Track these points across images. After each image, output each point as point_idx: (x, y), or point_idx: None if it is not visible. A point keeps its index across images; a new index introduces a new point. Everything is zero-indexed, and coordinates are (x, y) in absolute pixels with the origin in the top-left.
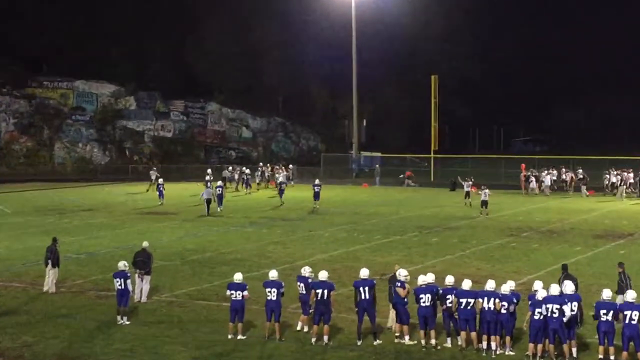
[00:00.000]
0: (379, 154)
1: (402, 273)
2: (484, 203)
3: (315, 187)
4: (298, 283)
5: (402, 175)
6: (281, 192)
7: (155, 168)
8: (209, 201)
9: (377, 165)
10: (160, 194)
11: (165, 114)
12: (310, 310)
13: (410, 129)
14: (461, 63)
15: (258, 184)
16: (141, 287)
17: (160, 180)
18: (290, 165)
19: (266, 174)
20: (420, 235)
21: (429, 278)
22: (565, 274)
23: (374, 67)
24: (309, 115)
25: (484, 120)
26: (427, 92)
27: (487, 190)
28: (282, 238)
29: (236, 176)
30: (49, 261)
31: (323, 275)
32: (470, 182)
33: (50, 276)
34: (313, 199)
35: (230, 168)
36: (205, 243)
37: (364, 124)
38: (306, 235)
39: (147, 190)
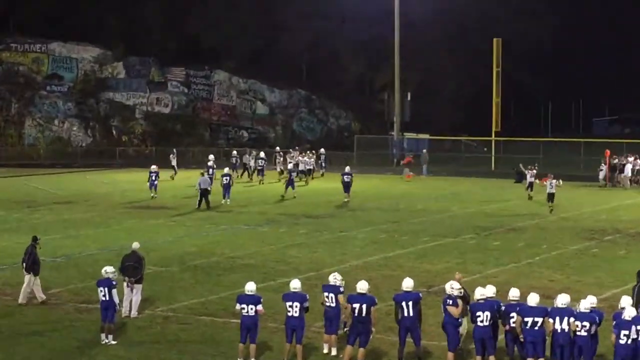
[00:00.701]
0: (426, 137)
1: (454, 286)
2: (550, 196)
3: (345, 177)
4: (325, 294)
5: (402, 163)
6: (290, 182)
7: (175, 151)
8: (205, 192)
9: (424, 151)
10: (152, 185)
11: (162, 84)
12: (345, 329)
13: (466, 106)
14: (531, 23)
15: (281, 172)
16: (130, 299)
17: (154, 168)
18: (322, 150)
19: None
20: (478, 237)
21: (489, 292)
22: None
23: (421, 28)
24: (339, 87)
25: (559, 95)
26: (487, 60)
27: (554, 181)
28: (306, 240)
29: (252, 162)
30: (23, 265)
31: (363, 286)
32: (534, 171)
33: (25, 283)
34: (343, 191)
35: (254, 153)
36: (210, 245)
37: (408, 98)
38: (336, 236)
39: (172, 178)
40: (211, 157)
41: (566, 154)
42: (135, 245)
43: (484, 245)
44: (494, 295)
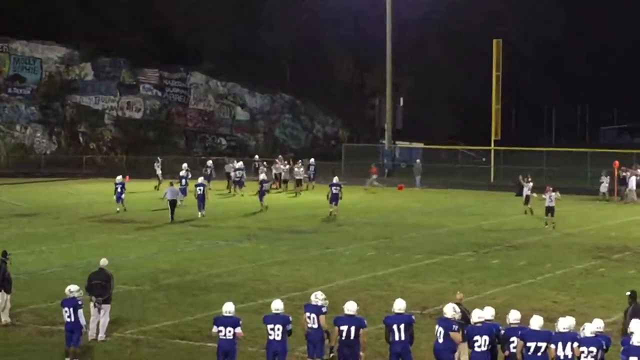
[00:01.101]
0: (420, 145)
1: (454, 310)
2: (550, 210)
3: (333, 188)
4: (306, 314)
5: (373, 176)
6: (261, 193)
7: (159, 159)
8: (173, 203)
9: (418, 161)
10: (119, 198)
11: (133, 87)
12: (332, 355)
13: (464, 112)
14: (535, 23)
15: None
16: (98, 320)
17: (119, 179)
18: (312, 160)
19: (278, 171)
20: (476, 255)
21: (487, 314)
22: (634, 305)
23: (415, 27)
24: (326, 91)
25: (564, 101)
26: (487, 63)
27: (553, 194)
28: (289, 257)
29: (231, 172)
30: None
31: (351, 307)
32: (531, 184)
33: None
34: (329, 202)
35: (240, 163)
36: (185, 262)
37: (401, 103)
38: (321, 253)
39: (156, 188)
40: (184, 166)
41: (571, 165)
42: (104, 261)
43: (483, 263)
44: (493, 318)
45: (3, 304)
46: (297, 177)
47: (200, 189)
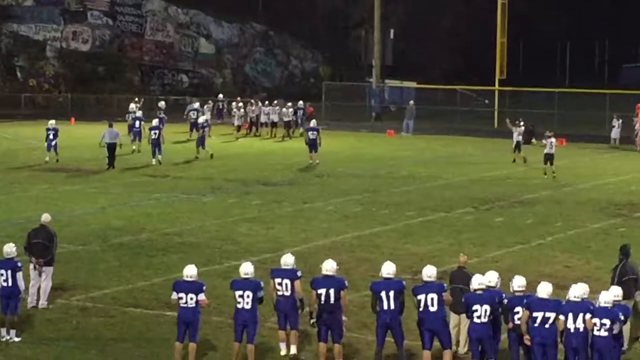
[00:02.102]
0: (413, 85)
1: (428, 272)
2: (549, 158)
3: (310, 133)
4: (276, 280)
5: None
6: (201, 139)
7: (137, 100)
8: (112, 147)
9: (411, 102)
10: (50, 146)
11: (80, 14)
12: (312, 321)
13: (464, 47)
14: None
15: (239, 128)
16: (39, 285)
17: (52, 123)
18: (300, 103)
19: (241, 112)
20: (476, 212)
21: (489, 280)
22: (625, 261)
23: None
24: (304, 21)
25: (579, 34)
26: None
27: (553, 140)
28: (261, 213)
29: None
30: None
31: (329, 267)
32: (522, 128)
33: None
34: (308, 150)
35: (196, 104)
36: (139, 218)
37: (391, 37)
38: (298, 209)
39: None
40: (133, 106)
41: (588, 109)
42: (46, 217)
43: (484, 221)
44: (496, 286)
45: None
46: (286, 119)
47: (154, 133)
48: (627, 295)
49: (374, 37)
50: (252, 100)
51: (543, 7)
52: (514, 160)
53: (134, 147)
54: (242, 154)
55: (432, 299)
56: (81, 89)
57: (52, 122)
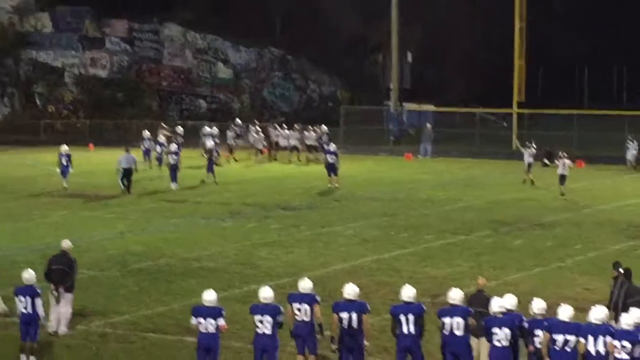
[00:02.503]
0: (431, 108)
1: (453, 295)
2: (562, 178)
3: (329, 157)
4: (295, 305)
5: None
6: (210, 164)
7: (163, 125)
8: (128, 172)
9: (428, 125)
10: (65, 172)
11: (98, 40)
12: (334, 347)
13: (482, 70)
14: None
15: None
16: (59, 311)
17: (65, 149)
18: (324, 127)
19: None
20: (495, 235)
21: (508, 302)
22: (629, 283)
23: None
24: (322, 46)
25: (597, 57)
26: (509, 12)
27: (567, 161)
28: (280, 237)
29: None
30: None
31: (350, 291)
32: (533, 150)
33: None
34: (327, 174)
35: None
36: (158, 243)
37: (409, 60)
38: (317, 233)
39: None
40: (146, 133)
41: (606, 131)
42: (66, 243)
43: (503, 244)
44: (514, 308)
45: None
46: (309, 143)
47: (174, 159)
48: None
49: (391, 60)
50: (275, 124)
51: (561, 29)
52: (524, 182)
53: (146, 168)
54: (260, 178)
55: (457, 322)
56: (100, 115)
57: (65, 147)
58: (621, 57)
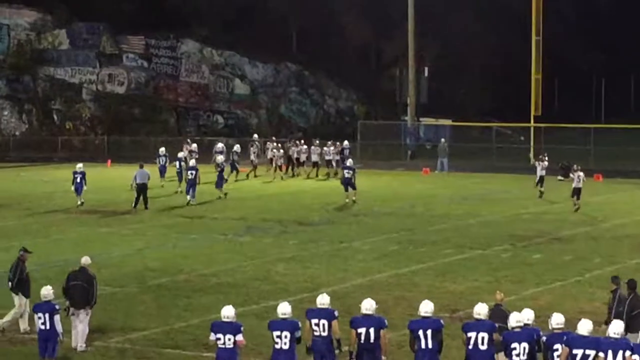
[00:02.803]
0: (448, 122)
1: (479, 310)
2: (577, 191)
3: (346, 172)
4: (313, 321)
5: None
6: (220, 179)
7: (189, 141)
8: (143, 188)
9: (443, 140)
10: (79, 189)
11: (115, 57)
12: None
13: (499, 84)
14: None
15: (283, 167)
16: (77, 327)
17: (80, 167)
18: (345, 143)
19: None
20: (513, 249)
21: (526, 317)
22: (634, 294)
23: None
24: (339, 60)
25: (615, 70)
26: (525, 26)
27: (581, 174)
28: (298, 252)
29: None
30: (10, 284)
31: (368, 305)
32: (545, 163)
33: (18, 309)
34: (344, 189)
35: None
36: (176, 259)
37: (426, 74)
38: (335, 248)
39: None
40: (162, 149)
41: (624, 144)
42: (85, 260)
43: (522, 259)
44: (533, 323)
45: (22, 309)
46: (328, 158)
47: (192, 174)
48: (635, 329)
49: (408, 75)
50: (297, 141)
51: (578, 42)
52: (540, 195)
53: (161, 184)
54: (278, 193)
55: (482, 337)
56: (117, 131)
57: (80, 165)
58: (638, 68)
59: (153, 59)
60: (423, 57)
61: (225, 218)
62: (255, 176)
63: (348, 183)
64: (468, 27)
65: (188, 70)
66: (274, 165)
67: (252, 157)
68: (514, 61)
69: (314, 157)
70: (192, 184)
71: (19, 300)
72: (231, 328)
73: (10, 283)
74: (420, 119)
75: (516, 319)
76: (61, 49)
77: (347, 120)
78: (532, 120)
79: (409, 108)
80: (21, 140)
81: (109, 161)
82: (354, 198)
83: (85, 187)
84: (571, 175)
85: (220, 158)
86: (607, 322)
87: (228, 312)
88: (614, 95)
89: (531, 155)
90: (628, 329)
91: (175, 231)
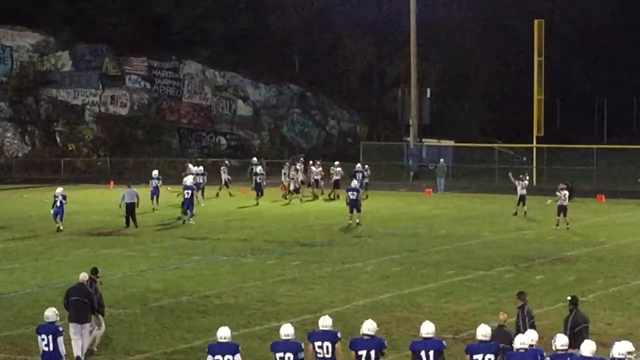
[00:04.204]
0: (450, 143)
1: (483, 332)
2: (562, 209)
3: (350, 193)
4: (316, 343)
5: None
6: (189, 203)
7: (227, 163)
8: (130, 207)
9: (442, 160)
10: (58, 213)
11: (118, 78)
12: None
13: (501, 105)
14: (583, 1)
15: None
16: (78, 342)
17: (60, 191)
18: (358, 165)
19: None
20: (516, 270)
21: (530, 338)
22: (576, 310)
23: (443, 6)
24: (341, 82)
25: (617, 91)
26: (527, 47)
27: (566, 192)
28: (301, 274)
29: (223, 176)
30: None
31: (370, 327)
32: (526, 182)
33: (93, 331)
34: (349, 210)
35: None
36: (179, 281)
37: (428, 95)
38: (338, 269)
39: (217, 195)
40: (156, 172)
41: (626, 165)
42: (83, 276)
43: (525, 279)
44: (535, 343)
45: (97, 331)
46: (335, 178)
47: (187, 193)
48: (577, 345)
49: (410, 96)
50: (318, 162)
51: (580, 63)
52: (516, 213)
53: (154, 208)
54: (281, 214)
55: (489, 359)
56: (120, 153)
57: (60, 189)
58: None
59: (156, 81)
60: (425, 78)
61: (228, 239)
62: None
63: (353, 204)
64: (470, 48)
65: (191, 91)
66: (319, 186)
67: (289, 177)
68: (516, 82)
69: (316, 177)
70: (188, 203)
71: (99, 319)
72: (229, 349)
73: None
74: (423, 140)
75: (520, 341)
76: (64, 70)
77: (349, 141)
78: (534, 141)
79: (411, 129)
80: (24, 162)
81: (112, 183)
82: (357, 220)
83: (63, 210)
84: (557, 193)
85: (189, 180)
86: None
87: (224, 333)
88: (616, 115)
89: (534, 176)
90: (570, 345)
91: (178, 252)
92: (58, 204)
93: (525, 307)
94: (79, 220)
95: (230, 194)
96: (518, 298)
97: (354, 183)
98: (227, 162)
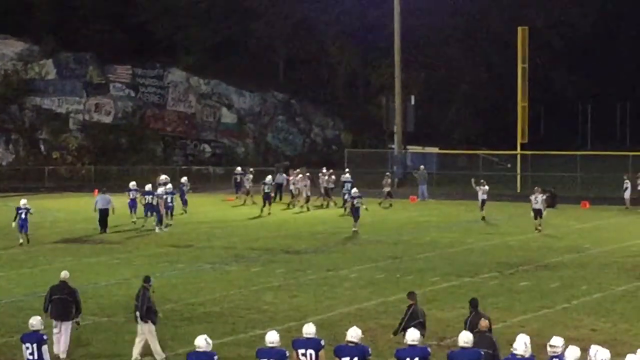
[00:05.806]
0: (435, 150)
1: (464, 338)
2: (537, 212)
3: (355, 201)
4: (299, 351)
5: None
6: (157, 212)
7: (251, 170)
8: (103, 213)
9: (422, 167)
10: (22, 226)
11: (102, 86)
12: None
13: (485, 112)
14: (566, 8)
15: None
16: (60, 340)
17: (24, 203)
18: (347, 175)
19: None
20: (501, 276)
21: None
22: (475, 312)
23: (427, 14)
24: (325, 89)
25: (600, 97)
26: (511, 54)
27: (540, 195)
28: (285, 281)
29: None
30: (137, 313)
31: (354, 334)
32: (486, 187)
33: (146, 334)
34: (353, 219)
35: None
36: (164, 288)
37: (412, 102)
38: (322, 277)
39: (244, 203)
40: (133, 183)
41: (610, 171)
42: (65, 274)
43: (509, 286)
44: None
45: (149, 339)
46: (325, 186)
47: (170, 198)
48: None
49: (394, 103)
50: (330, 170)
51: (563, 70)
52: (483, 218)
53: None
54: (265, 222)
55: None
56: (104, 161)
57: (24, 201)
58: (624, 95)
59: (140, 89)
60: (409, 85)
61: (213, 247)
62: (254, 202)
63: (356, 212)
64: (454, 55)
65: (175, 99)
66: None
67: (247, 185)
68: (500, 89)
69: (299, 185)
70: (157, 211)
71: (148, 327)
72: (205, 358)
73: (138, 312)
74: (407, 147)
75: (523, 348)
76: (48, 79)
77: (334, 148)
78: (518, 148)
79: (395, 136)
80: (7, 171)
81: (96, 191)
82: (354, 229)
83: (27, 223)
84: (531, 197)
85: (162, 190)
86: (395, 333)
87: (201, 342)
88: (599, 122)
89: (518, 182)
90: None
91: (163, 260)
92: (23, 216)
93: (413, 307)
94: (63, 229)
95: (254, 202)
96: (408, 297)
97: (354, 191)
98: (251, 169)
